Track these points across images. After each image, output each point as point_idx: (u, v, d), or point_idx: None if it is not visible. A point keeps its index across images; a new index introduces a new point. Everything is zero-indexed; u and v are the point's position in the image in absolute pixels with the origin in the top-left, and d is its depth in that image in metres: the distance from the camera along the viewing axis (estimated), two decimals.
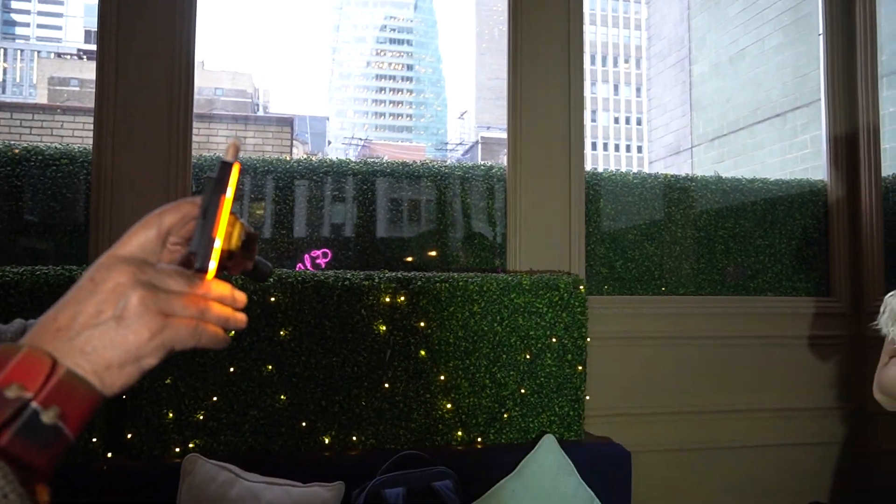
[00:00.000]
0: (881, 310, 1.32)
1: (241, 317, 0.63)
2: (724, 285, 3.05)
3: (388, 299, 2.22)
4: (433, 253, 3.06)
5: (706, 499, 2.73)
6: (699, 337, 2.78)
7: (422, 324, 2.24)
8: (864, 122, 3.00)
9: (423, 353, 2.24)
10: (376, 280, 2.23)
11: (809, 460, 2.83)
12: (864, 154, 3.01)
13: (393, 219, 3.09)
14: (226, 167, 0.62)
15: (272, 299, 2.14)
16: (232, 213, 0.63)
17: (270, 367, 2.13)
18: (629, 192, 3.02)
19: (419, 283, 2.26)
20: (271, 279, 2.14)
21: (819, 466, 2.86)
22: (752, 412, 2.79)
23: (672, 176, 3.07)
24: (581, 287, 2.40)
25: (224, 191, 0.61)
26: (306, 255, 3.09)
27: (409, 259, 3.11)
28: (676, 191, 3.06)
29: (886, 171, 3.04)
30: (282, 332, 2.15)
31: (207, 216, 0.60)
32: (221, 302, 0.60)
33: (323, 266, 3.03)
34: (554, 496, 2.04)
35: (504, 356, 2.29)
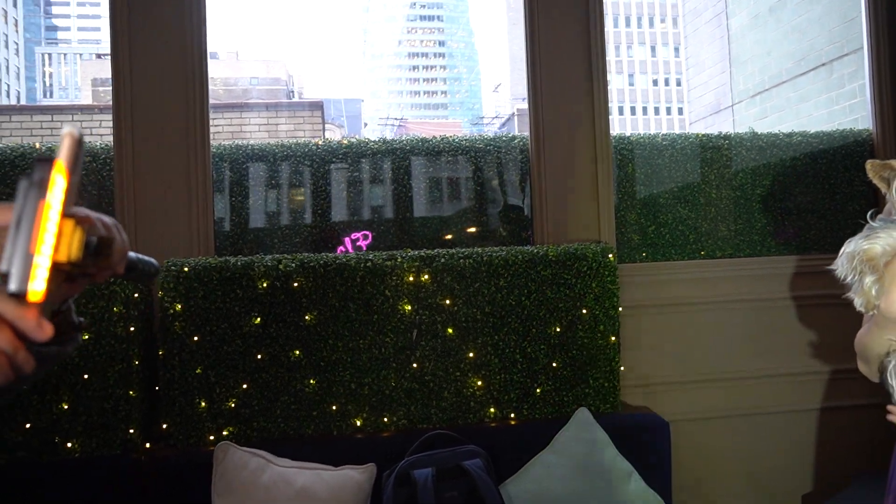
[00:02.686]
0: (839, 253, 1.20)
1: (27, 359, 0.54)
2: (764, 245, 2.92)
3: (411, 278, 2.19)
4: (472, 229, 3.01)
5: (749, 466, 2.65)
6: (737, 300, 2.68)
7: (447, 301, 2.20)
8: None
9: (450, 330, 2.21)
10: (399, 260, 2.20)
11: (863, 423, 2.71)
12: None
13: (420, 197, 3.05)
14: (43, 165, 0.52)
15: (295, 284, 2.13)
16: (72, 216, 0.54)
17: (298, 352, 2.13)
18: (659, 155, 2.91)
19: (443, 260, 2.22)
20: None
21: (875, 427, 2.73)
22: (796, 375, 2.69)
23: (704, 135, 2.95)
24: (611, 255, 2.33)
25: (43, 195, 0.52)
26: (346, 238, 3.09)
27: (449, 237, 3.08)
28: (709, 150, 2.94)
29: None
30: (307, 317, 2.14)
31: (22, 227, 0.51)
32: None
33: (364, 248, 3.02)
34: (591, 469, 2.00)
35: (534, 330, 2.25)
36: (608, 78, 2.69)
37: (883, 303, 1.17)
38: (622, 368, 2.36)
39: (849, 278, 1.18)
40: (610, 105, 2.68)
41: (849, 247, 1.19)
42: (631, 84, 41.26)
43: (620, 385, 2.37)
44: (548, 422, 2.20)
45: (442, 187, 3.06)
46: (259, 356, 2.11)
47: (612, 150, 2.63)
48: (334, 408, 2.15)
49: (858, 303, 1.17)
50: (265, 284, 2.13)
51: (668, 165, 2.91)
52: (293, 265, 2.15)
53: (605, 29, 2.66)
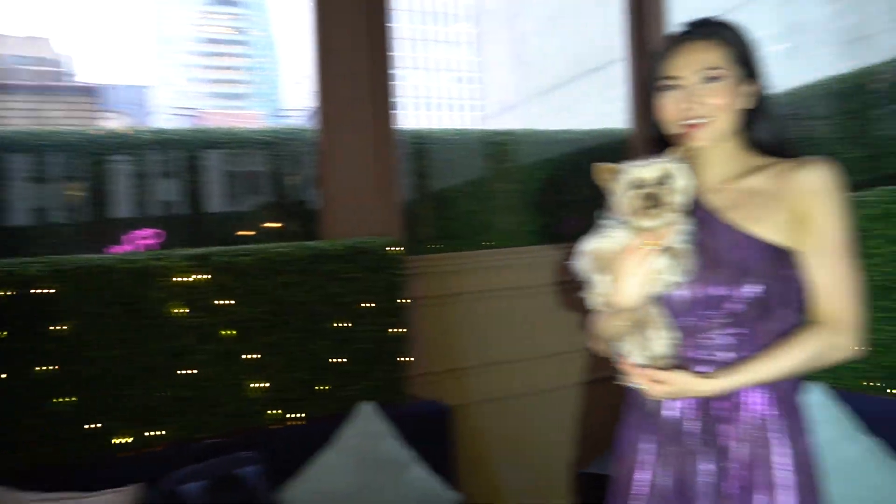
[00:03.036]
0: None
1: None
2: (544, 235, 3.14)
3: (183, 279, 2.02)
4: (269, 225, 2.87)
5: (527, 442, 2.83)
6: (518, 287, 2.84)
7: (226, 301, 2.07)
8: None
9: (229, 332, 2.08)
10: (166, 260, 2.02)
11: (621, 391, 3.01)
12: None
13: (209, 191, 2.85)
14: None
15: (44, 291, 1.87)
16: None
17: (49, 367, 1.88)
18: (449, 150, 3.00)
19: (221, 258, 2.09)
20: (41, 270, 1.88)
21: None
22: (568, 353, 2.91)
23: (489, 130, 3.10)
24: (397, 248, 2.34)
25: None
26: (127, 237, 2.77)
27: (245, 233, 2.91)
28: (494, 145, 3.08)
29: None
30: (60, 327, 1.89)
31: None
32: None
33: (156, 247, 2.73)
34: (374, 463, 2.00)
35: (318, 326, 2.20)
36: (405, 73, 2.70)
37: (615, 295, 1.27)
38: (409, 359, 2.38)
39: (587, 277, 1.27)
40: (412, 100, 2.69)
41: (585, 247, 1.28)
42: (430, 81, 42.59)
43: (409, 376, 2.41)
44: (333, 419, 2.16)
45: (233, 181, 2.89)
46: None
47: (398, 146, 2.64)
48: (96, 426, 1.93)
49: (595, 301, 1.26)
50: (8, 293, 1.85)
51: (458, 160, 3.01)
52: (41, 269, 1.88)
53: (405, 26, 2.67)
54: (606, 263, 1.23)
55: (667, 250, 1.19)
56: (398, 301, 2.32)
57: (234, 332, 2.09)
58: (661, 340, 1.24)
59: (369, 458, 1.98)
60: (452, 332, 2.71)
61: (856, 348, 1.20)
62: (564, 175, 3.19)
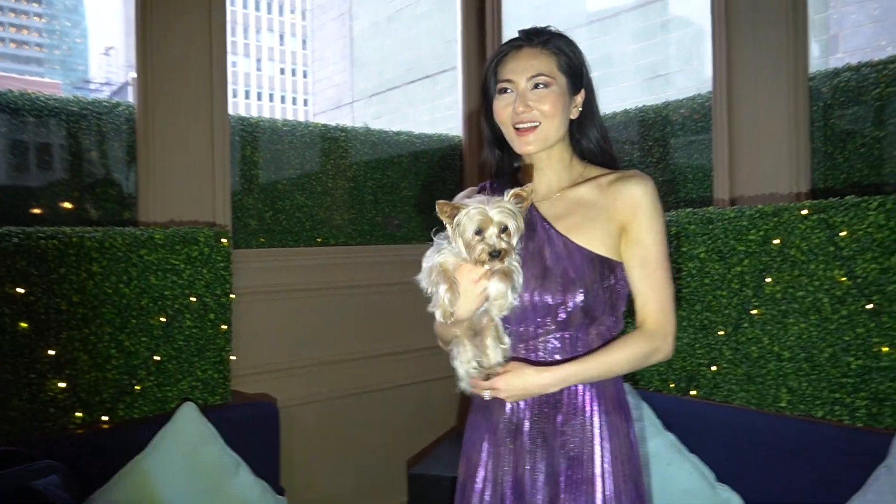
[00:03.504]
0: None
1: None
2: (374, 235, 3.14)
3: None
4: (65, 205, 2.55)
5: (357, 442, 2.82)
6: (350, 286, 2.82)
7: (20, 290, 1.83)
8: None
9: (23, 324, 1.84)
10: None
11: (450, 391, 3.11)
12: None
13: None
14: None
15: None
16: None
17: None
18: (280, 141, 2.89)
19: (15, 240, 1.84)
20: None
21: (458, 395, 3.16)
22: (399, 354, 2.95)
23: (323, 125, 3.03)
24: (224, 240, 2.22)
25: None
26: None
27: (37, 212, 2.57)
28: (328, 141, 3.03)
29: None
30: None
31: None
32: None
33: None
34: (195, 468, 1.87)
35: (134, 321, 2.01)
36: (235, 59, 2.55)
37: (456, 309, 1.31)
38: (234, 357, 2.27)
39: (429, 291, 1.30)
40: (236, 88, 2.55)
41: (426, 263, 1.32)
42: (259, 69, 40.87)
43: (234, 375, 2.29)
44: (149, 420, 1.99)
45: (28, 152, 2.54)
46: None
47: (229, 130, 2.50)
48: None
49: (438, 314, 1.28)
50: None
51: (288, 152, 2.92)
52: None
53: (234, 9, 2.52)
54: (445, 278, 1.27)
55: (499, 273, 1.25)
56: (223, 295, 2.20)
57: (28, 325, 1.85)
58: (497, 348, 1.30)
59: (190, 463, 1.84)
60: (281, 330, 2.62)
61: (672, 351, 1.32)
62: (399, 177, 3.22)
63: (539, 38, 1.34)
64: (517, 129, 1.33)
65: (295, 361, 2.65)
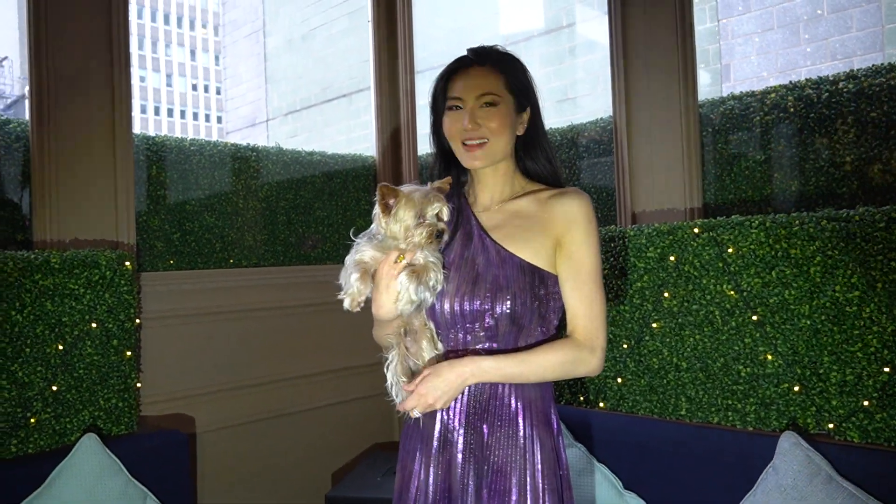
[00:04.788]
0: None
1: None
2: (287, 256, 3.10)
3: None
4: None
5: (276, 466, 2.77)
6: (264, 308, 2.78)
7: None
8: (405, 107, 3.37)
9: None
10: None
11: (369, 410, 3.09)
12: (405, 135, 3.38)
13: None
14: None
15: None
16: None
17: None
18: (187, 161, 2.82)
19: None
20: None
21: (377, 414, 3.14)
22: (316, 375, 2.92)
23: (233, 144, 2.98)
24: (128, 263, 2.14)
25: None
26: None
27: None
28: (238, 161, 2.98)
29: (422, 150, 3.47)
30: None
31: None
32: None
33: None
34: (97, 503, 1.79)
35: (28, 350, 1.91)
36: (143, 74, 2.48)
37: (373, 306, 1.35)
38: (140, 385, 2.18)
39: (343, 283, 1.34)
40: (145, 104, 2.47)
41: (347, 260, 1.36)
42: (169, 85, 39.50)
43: (144, 402, 2.20)
44: (46, 455, 1.89)
45: None
46: None
47: (133, 149, 2.43)
48: None
49: (347, 303, 1.31)
50: None
51: (197, 172, 2.85)
52: None
53: (142, 22, 2.45)
54: (360, 269, 1.29)
55: (417, 268, 1.29)
56: (128, 321, 2.12)
57: None
58: (431, 352, 1.33)
59: (92, 498, 1.76)
60: (194, 354, 2.54)
61: (600, 365, 1.34)
62: (312, 197, 3.20)
63: (488, 58, 1.39)
64: (466, 144, 1.37)
65: (209, 386, 2.58)
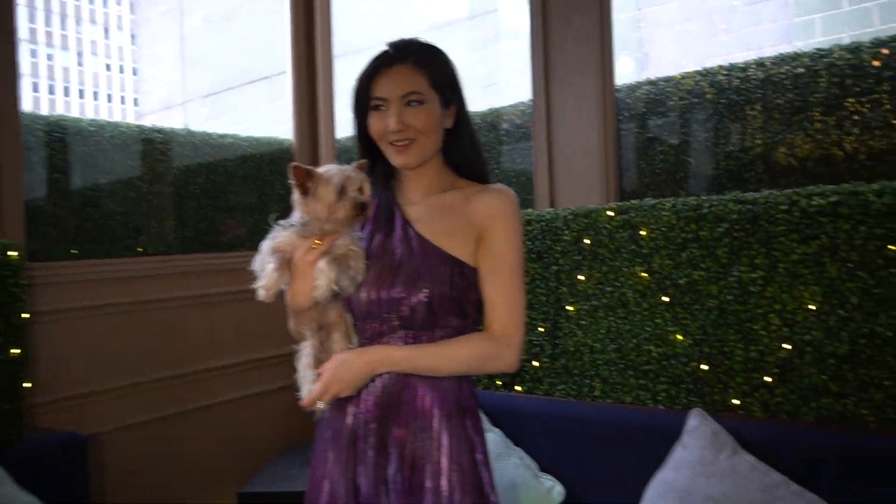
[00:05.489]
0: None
1: None
2: (201, 242, 2.97)
3: None
4: None
5: (187, 464, 2.64)
6: (173, 298, 2.63)
7: None
8: (323, 91, 3.27)
9: None
10: None
11: (288, 403, 2.99)
12: (323, 119, 3.29)
13: None
14: None
15: None
16: None
17: None
18: (85, 142, 2.64)
19: None
20: None
21: (296, 408, 3.05)
22: (231, 367, 2.80)
23: (137, 126, 2.81)
24: (14, 252, 1.98)
25: None
26: None
27: None
28: (143, 143, 2.82)
29: (340, 134, 3.38)
30: None
31: None
32: None
33: None
34: None
35: None
36: (51, 52, 2.29)
37: (288, 294, 1.30)
38: (29, 385, 2.03)
39: (257, 270, 1.28)
40: (53, 83, 2.29)
41: (263, 246, 1.30)
42: (80, 65, 37.39)
43: (35, 404, 2.05)
44: None
45: None
46: None
47: (22, 129, 2.24)
48: None
49: (261, 293, 1.25)
50: None
51: (98, 155, 2.68)
52: None
53: None
54: (276, 257, 1.25)
55: (337, 255, 1.25)
56: (14, 315, 1.96)
57: None
58: (346, 346, 1.29)
59: None
60: (94, 350, 2.38)
61: (517, 362, 1.31)
62: (225, 181, 3.07)
63: (410, 53, 1.33)
64: (394, 144, 1.32)
65: (111, 383, 2.42)
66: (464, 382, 1.36)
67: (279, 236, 1.29)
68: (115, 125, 2.73)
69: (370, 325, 1.32)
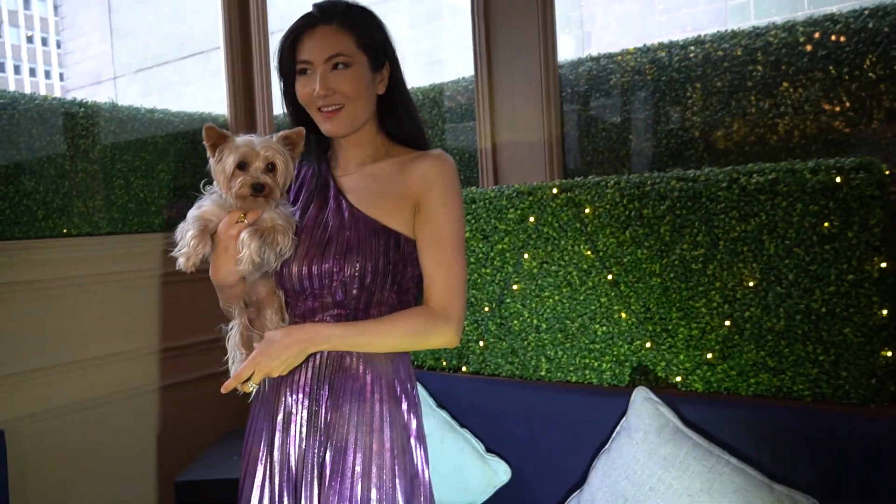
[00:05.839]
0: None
1: None
2: (128, 223, 2.81)
3: None
4: None
5: (121, 453, 2.52)
6: (98, 280, 2.49)
7: None
8: (259, 65, 3.14)
9: None
10: None
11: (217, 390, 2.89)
12: (260, 94, 3.16)
13: None
14: None
15: None
16: None
17: None
18: (4, 116, 2.45)
19: None
20: None
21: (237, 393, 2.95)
22: (166, 351, 2.68)
23: (55, 98, 2.63)
24: None
25: None
26: None
27: None
28: (60, 117, 2.63)
29: (277, 110, 3.25)
30: None
31: None
32: None
33: None
34: None
35: None
36: None
37: (210, 269, 1.24)
38: None
39: (178, 238, 1.21)
40: None
41: (188, 215, 1.23)
42: None
43: None
44: None
45: None
46: None
47: None
48: None
49: (181, 261, 1.18)
50: None
51: (10, 130, 2.48)
52: None
53: None
54: (198, 226, 1.19)
55: (262, 228, 1.19)
56: None
57: None
58: (277, 325, 1.23)
59: None
60: (9, 336, 2.23)
61: (456, 337, 1.26)
62: (155, 158, 2.91)
63: (334, 14, 1.25)
64: (322, 111, 1.25)
65: (28, 372, 2.28)
66: (400, 363, 1.31)
67: (205, 204, 1.22)
68: (31, 97, 2.54)
69: (302, 302, 1.26)
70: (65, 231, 2.63)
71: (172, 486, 2.25)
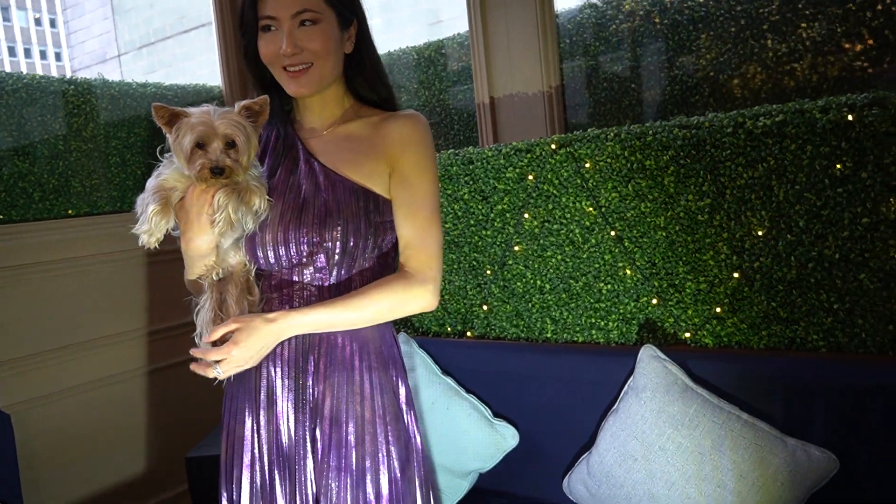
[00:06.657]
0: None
1: None
2: (127, 201, 2.78)
3: None
4: None
5: (130, 430, 2.54)
6: (101, 260, 2.48)
7: None
8: None
9: None
10: None
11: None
12: None
13: None
14: None
15: None
16: None
17: None
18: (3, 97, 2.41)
19: None
20: None
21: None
22: (174, 329, 2.68)
23: (43, 76, 2.58)
24: None
25: None
26: None
27: None
28: (51, 96, 2.59)
29: None
30: None
31: None
32: None
33: None
34: None
35: None
36: None
37: (181, 240, 1.19)
38: None
39: (139, 212, 1.15)
40: None
41: (147, 185, 1.17)
42: (7, 20, 35.13)
43: None
44: None
45: None
46: None
47: None
48: None
49: (143, 238, 1.13)
50: None
51: (14, 110, 2.45)
52: None
53: None
54: (159, 197, 1.13)
55: (231, 191, 1.12)
56: None
57: None
58: (243, 301, 1.18)
59: None
60: (12, 320, 2.23)
61: (434, 300, 1.22)
62: (150, 134, 2.87)
63: None
64: (288, 71, 1.18)
65: (32, 352, 2.28)
66: (386, 330, 1.27)
67: (165, 172, 1.16)
68: (18, 76, 2.50)
69: (278, 272, 1.21)
70: (68, 212, 2.62)
71: (183, 463, 2.25)
